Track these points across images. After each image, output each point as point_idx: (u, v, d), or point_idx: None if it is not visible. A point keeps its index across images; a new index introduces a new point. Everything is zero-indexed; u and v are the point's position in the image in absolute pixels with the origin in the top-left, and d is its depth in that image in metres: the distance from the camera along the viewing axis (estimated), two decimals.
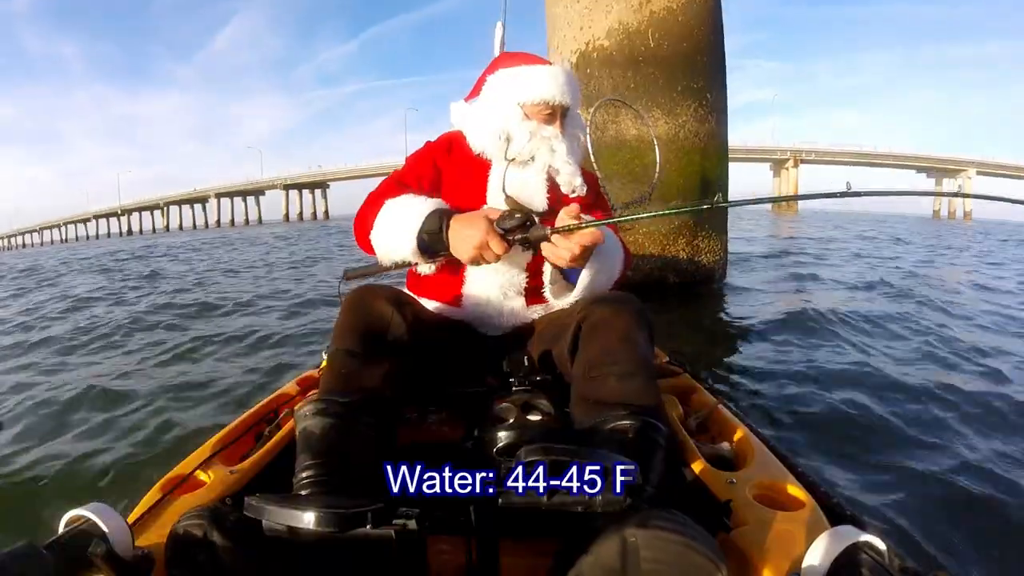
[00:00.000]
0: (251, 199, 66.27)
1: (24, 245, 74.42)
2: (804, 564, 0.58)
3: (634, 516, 0.59)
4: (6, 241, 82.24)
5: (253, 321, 4.10)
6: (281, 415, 1.11)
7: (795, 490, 0.78)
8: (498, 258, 0.94)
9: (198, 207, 68.61)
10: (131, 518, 0.71)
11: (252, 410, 1.12)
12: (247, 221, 63.78)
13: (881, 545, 0.58)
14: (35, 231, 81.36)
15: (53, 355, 3.38)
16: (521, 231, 0.93)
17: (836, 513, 0.76)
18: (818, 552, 0.58)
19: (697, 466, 0.87)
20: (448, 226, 0.97)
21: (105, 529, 0.60)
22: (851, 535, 0.58)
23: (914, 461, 1.61)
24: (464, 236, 0.94)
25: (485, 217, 0.94)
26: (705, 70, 3.86)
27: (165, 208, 69.87)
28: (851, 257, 7.34)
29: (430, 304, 1.12)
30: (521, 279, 1.10)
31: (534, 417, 0.94)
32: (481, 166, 1.16)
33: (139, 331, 3.93)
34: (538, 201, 1.12)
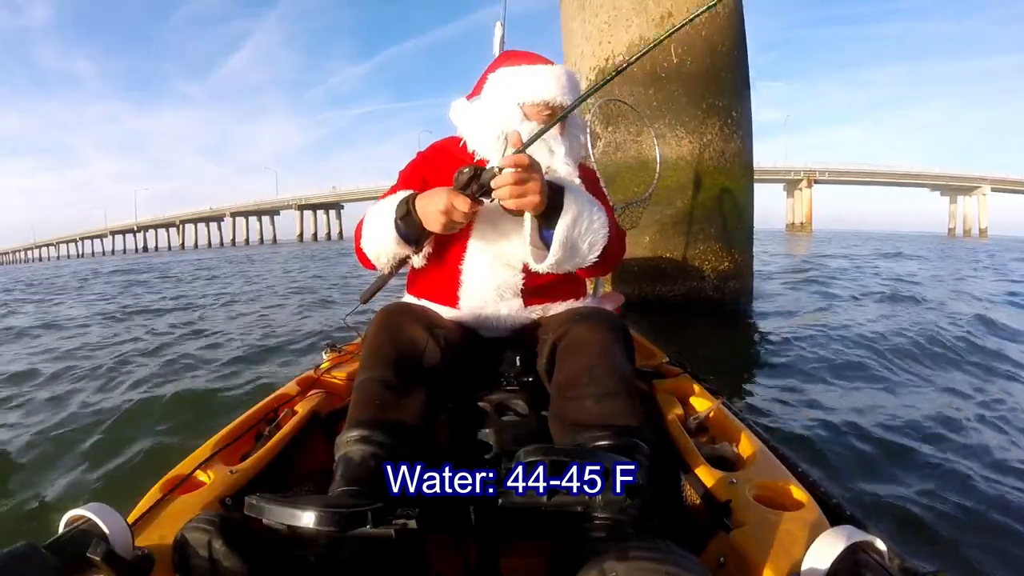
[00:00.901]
0: (266, 218, 67.15)
1: (40, 259, 75.72)
2: (804, 564, 0.58)
3: (613, 549, 0.58)
4: (23, 254, 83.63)
5: (256, 325, 4.10)
6: (281, 415, 1.11)
7: (795, 490, 0.78)
8: (466, 215, 0.93)
9: (213, 225, 69.82)
10: (131, 518, 0.71)
11: (252, 410, 1.11)
12: (261, 240, 65.17)
13: (881, 545, 0.58)
14: (52, 244, 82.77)
15: (56, 355, 3.38)
16: (476, 181, 0.93)
17: (836, 513, 0.76)
18: (818, 552, 0.58)
19: (697, 466, 0.87)
20: (415, 207, 0.98)
21: (105, 529, 0.60)
22: (851, 535, 0.58)
23: (916, 462, 1.61)
24: (430, 207, 0.94)
25: (443, 187, 0.95)
26: (730, 87, 3.67)
27: (181, 226, 71.13)
28: (873, 275, 7.12)
29: (430, 307, 1.11)
30: (517, 280, 1.09)
31: (508, 417, 0.96)
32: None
33: (142, 333, 3.93)
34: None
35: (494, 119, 1.11)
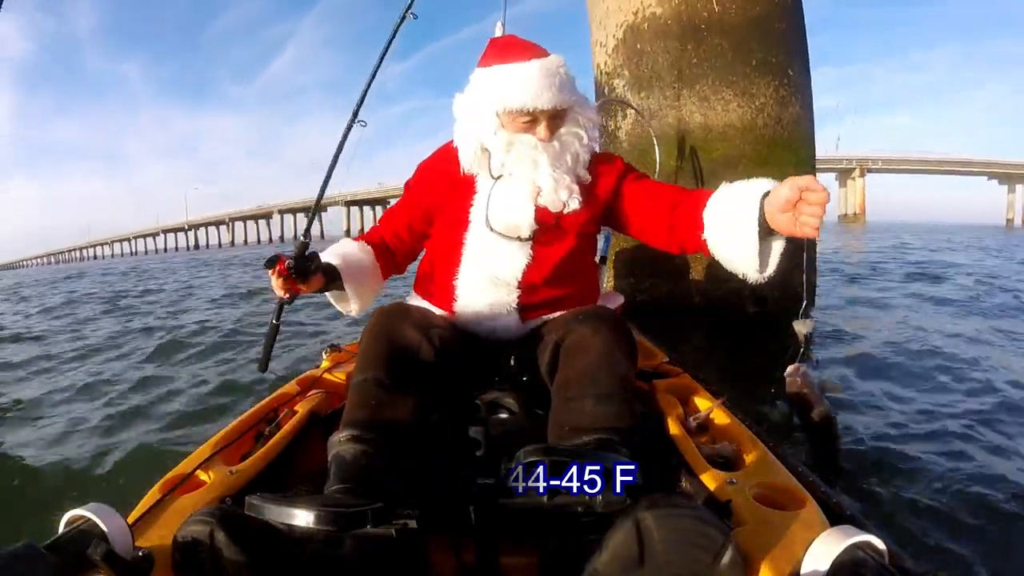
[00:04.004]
0: None
1: (95, 257, 77.80)
2: (804, 564, 0.58)
3: (641, 502, 0.61)
4: (78, 253, 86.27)
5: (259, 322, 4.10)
6: (281, 415, 1.11)
7: (795, 490, 0.78)
8: (284, 294, 0.99)
9: (262, 223, 72.06)
10: (131, 518, 0.71)
11: (252, 410, 1.11)
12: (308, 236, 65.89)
13: (881, 545, 0.58)
14: (107, 243, 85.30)
15: (57, 354, 3.38)
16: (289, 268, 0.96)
17: (836, 513, 0.76)
18: (818, 552, 0.58)
19: (697, 466, 0.87)
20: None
21: (105, 529, 0.60)
22: (851, 535, 0.58)
23: (917, 462, 1.61)
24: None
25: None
26: (784, 40, 3.00)
27: (230, 223, 73.42)
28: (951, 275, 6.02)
29: (435, 310, 1.10)
30: (512, 298, 1.04)
31: (500, 415, 0.97)
32: (466, 189, 1.09)
33: (145, 331, 3.93)
34: (524, 226, 1.03)
35: (471, 131, 1.05)
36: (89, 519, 0.61)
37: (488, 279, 1.05)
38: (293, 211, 67.87)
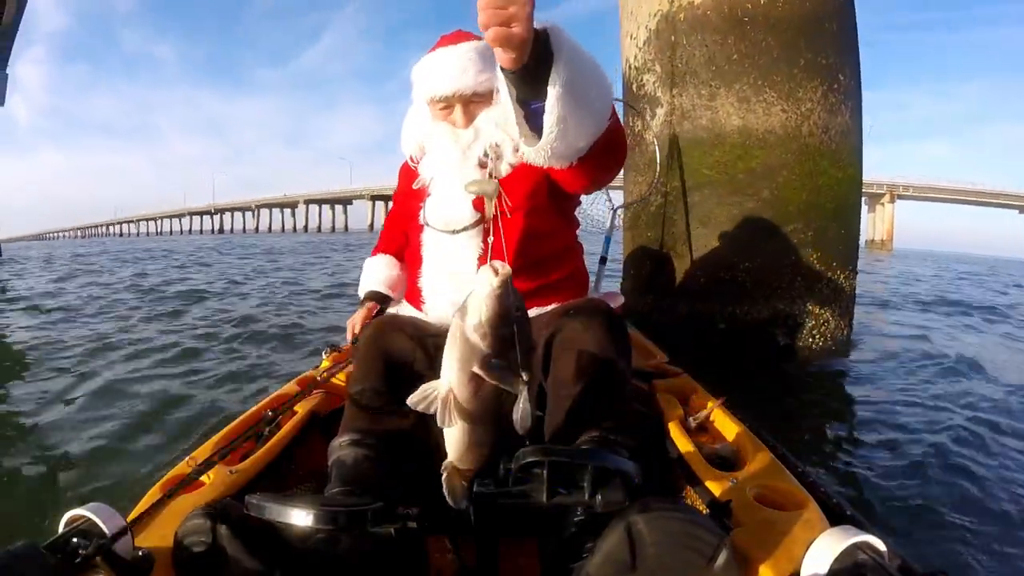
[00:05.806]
0: (339, 207, 69.31)
1: (122, 234, 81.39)
2: (804, 564, 0.58)
3: (634, 505, 0.61)
4: (105, 228, 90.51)
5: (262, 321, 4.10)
6: (281, 415, 1.11)
7: (795, 490, 0.78)
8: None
9: (287, 211, 74.11)
10: (131, 518, 0.71)
11: (252, 410, 1.11)
12: (333, 228, 68.00)
13: (881, 545, 0.58)
14: (133, 221, 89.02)
15: (57, 352, 3.37)
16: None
17: (836, 513, 0.76)
18: (818, 552, 0.58)
19: (697, 466, 0.87)
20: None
21: (105, 529, 0.60)
22: (851, 535, 0.58)
23: (916, 463, 1.61)
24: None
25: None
26: (835, 41, 2.70)
27: (256, 210, 76.06)
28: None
29: (421, 316, 1.10)
30: None
31: None
32: (422, 190, 1.10)
33: (146, 328, 3.93)
34: (461, 217, 1.02)
35: (412, 125, 1.09)
36: (89, 519, 0.61)
37: (446, 277, 1.04)
38: (319, 202, 68.96)
